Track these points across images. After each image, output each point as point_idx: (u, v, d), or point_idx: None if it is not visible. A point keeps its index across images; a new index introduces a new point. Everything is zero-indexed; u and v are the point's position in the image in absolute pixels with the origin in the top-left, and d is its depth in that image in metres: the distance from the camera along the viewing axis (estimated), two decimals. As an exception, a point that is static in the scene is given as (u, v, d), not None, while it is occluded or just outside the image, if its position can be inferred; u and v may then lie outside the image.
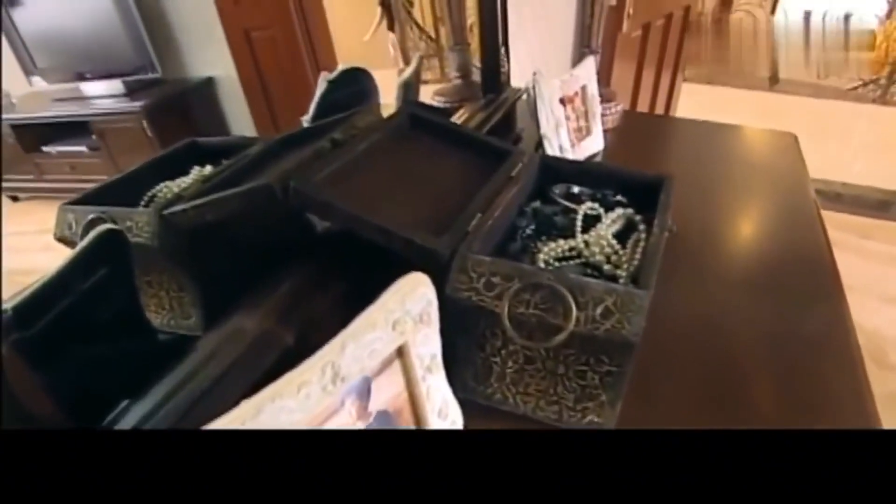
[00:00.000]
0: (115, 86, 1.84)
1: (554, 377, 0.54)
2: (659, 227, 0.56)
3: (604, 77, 1.24)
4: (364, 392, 0.42)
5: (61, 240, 0.58)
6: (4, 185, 2.11)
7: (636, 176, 0.67)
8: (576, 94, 1.01)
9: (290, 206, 0.53)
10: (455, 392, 0.50)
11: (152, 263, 0.61)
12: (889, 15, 4.25)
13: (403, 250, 0.52)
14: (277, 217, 0.72)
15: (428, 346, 0.46)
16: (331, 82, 0.82)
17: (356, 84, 0.86)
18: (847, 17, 4.38)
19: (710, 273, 0.82)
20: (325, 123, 0.72)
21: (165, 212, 0.57)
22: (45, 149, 1.93)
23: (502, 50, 1.06)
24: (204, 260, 0.63)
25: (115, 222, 0.55)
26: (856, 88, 4.16)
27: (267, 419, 0.33)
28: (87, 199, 0.61)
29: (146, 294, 0.64)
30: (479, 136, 0.71)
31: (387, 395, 0.44)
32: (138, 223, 0.57)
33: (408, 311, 0.43)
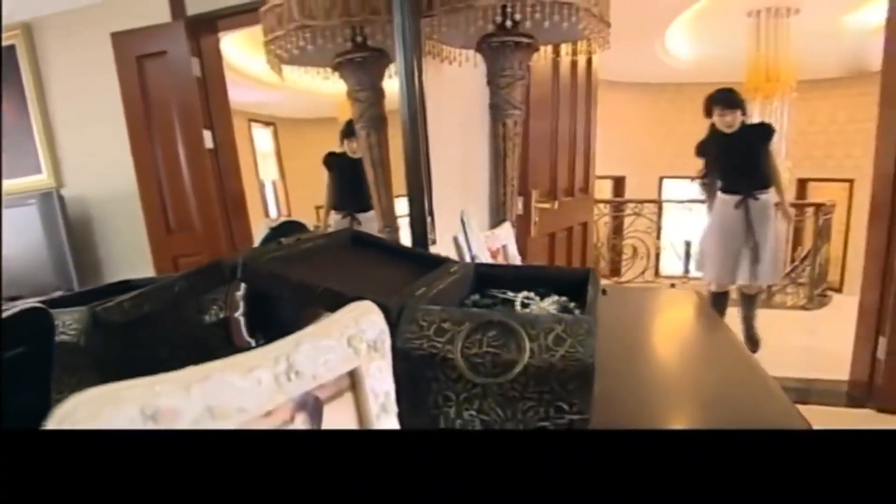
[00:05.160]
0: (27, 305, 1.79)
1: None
2: (593, 290, 0.60)
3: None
4: (315, 414, 0.38)
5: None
6: None
7: (564, 273, 0.73)
8: (498, 250, 1.11)
9: (240, 280, 0.53)
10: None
11: (74, 369, 0.56)
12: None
13: (352, 314, 0.52)
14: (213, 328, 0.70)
15: (381, 382, 0.44)
16: (273, 229, 0.87)
17: (295, 233, 0.92)
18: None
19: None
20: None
21: (99, 307, 0.55)
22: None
23: (429, 219, 1.18)
24: (132, 368, 0.58)
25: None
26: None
27: (213, 387, 0.30)
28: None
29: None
30: (416, 250, 0.76)
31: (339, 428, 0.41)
32: (66, 321, 0.54)
33: (362, 330, 0.42)
